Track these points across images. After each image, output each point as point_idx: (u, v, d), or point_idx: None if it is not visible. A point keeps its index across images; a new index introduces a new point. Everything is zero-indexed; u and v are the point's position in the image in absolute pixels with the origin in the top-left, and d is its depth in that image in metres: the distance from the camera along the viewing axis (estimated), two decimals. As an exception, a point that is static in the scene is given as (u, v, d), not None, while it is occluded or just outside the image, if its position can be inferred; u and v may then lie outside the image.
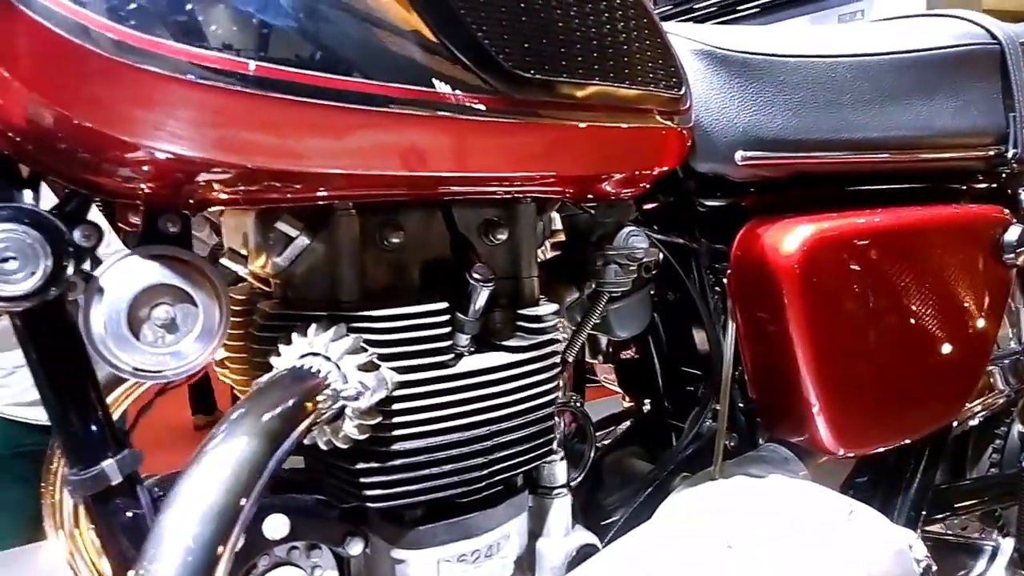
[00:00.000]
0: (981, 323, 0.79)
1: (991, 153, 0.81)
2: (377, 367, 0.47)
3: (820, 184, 0.75)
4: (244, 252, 0.54)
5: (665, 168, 0.59)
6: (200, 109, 0.38)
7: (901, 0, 1.81)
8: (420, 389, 0.49)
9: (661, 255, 0.73)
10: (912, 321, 0.74)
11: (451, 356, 0.51)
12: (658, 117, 0.56)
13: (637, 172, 0.58)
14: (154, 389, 0.60)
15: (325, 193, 0.46)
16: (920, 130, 0.75)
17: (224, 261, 0.55)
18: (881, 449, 0.80)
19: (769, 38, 0.71)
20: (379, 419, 0.48)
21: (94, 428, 0.43)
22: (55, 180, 0.43)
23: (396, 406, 0.48)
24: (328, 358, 0.46)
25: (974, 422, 0.99)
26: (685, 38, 0.66)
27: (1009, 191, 0.87)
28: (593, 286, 0.67)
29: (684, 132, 0.59)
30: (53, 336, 0.42)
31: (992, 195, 0.86)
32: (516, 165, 0.50)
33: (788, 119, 0.68)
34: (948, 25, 0.82)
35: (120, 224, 0.47)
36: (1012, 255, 0.79)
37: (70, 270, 0.39)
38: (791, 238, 0.67)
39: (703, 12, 2.04)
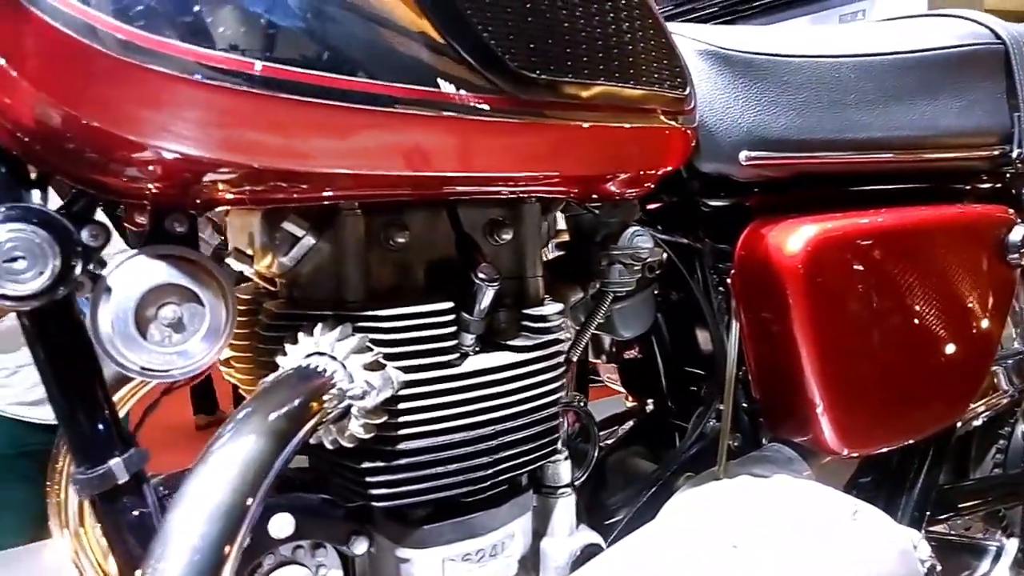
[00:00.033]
0: (985, 323, 0.78)
1: (995, 153, 0.80)
2: (383, 366, 0.47)
3: (824, 184, 0.75)
4: (250, 252, 0.54)
5: (669, 168, 0.59)
6: (207, 109, 0.38)
7: (903, 0, 1.80)
8: (425, 388, 0.49)
9: (665, 255, 0.73)
10: (916, 321, 0.74)
11: (456, 356, 0.51)
12: (662, 117, 0.56)
13: (642, 172, 0.58)
14: (159, 388, 0.60)
15: (331, 193, 0.47)
16: (924, 130, 0.75)
17: (230, 261, 0.55)
18: (885, 449, 0.80)
19: (773, 38, 0.71)
20: (385, 418, 0.48)
21: (101, 427, 0.44)
22: (63, 180, 0.43)
23: (401, 405, 0.48)
24: (334, 357, 0.46)
25: (978, 422, 0.99)
26: (689, 38, 0.66)
27: (1013, 191, 0.87)
28: (597, 286, 0.67)
29: (688, 132, 0.59)
30: (61, 335, 0.42)
31: (996, 195, 0.86)
32: (521, 165, 0.50)
33: (792, 119, 0.68)
34: (952, 25, 0.82)
35: (126, 224, 0.47)
36: (1016, 255, 0.79)
37: (78, 270, 0.40)
38: (795, 238, 0.67)
39: (704, 12, 2.04)
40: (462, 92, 0.44)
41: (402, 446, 0.49)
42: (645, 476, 0.77)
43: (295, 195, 0.46)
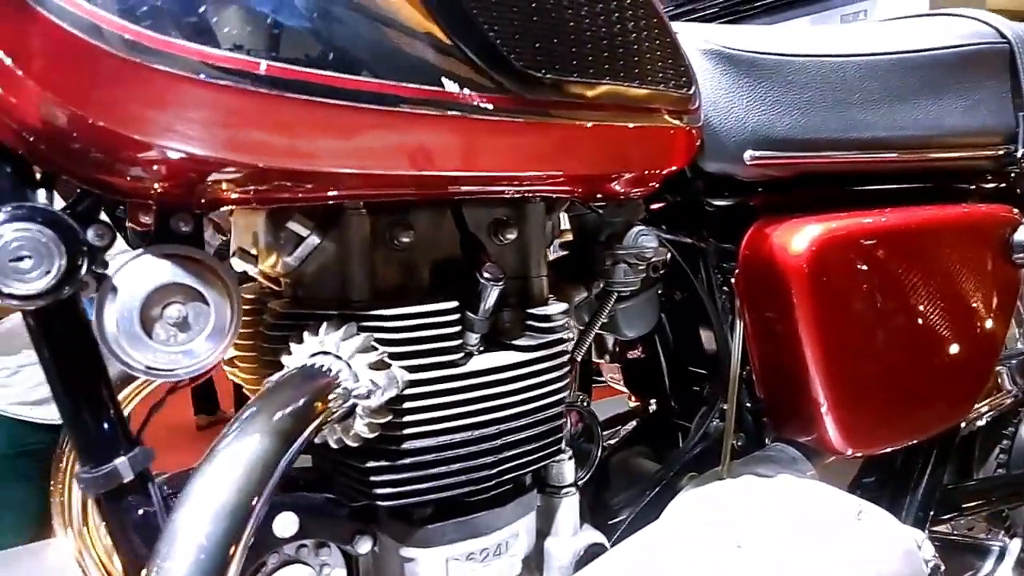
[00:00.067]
0: (990, 323, 0.78)
1: (1000, 152, 0.80)
2: (388, 366, 0.47)
3: (828, 184, 0.75)
4: (254, 251, 0.54)
5: (674, 168, 0.59)
6: (212, 109, 0.38)
7: (904, 0, 1.80)
8: (430, 388, 0.49)
9: (669, 255, 0.73)
10: (920, 321, 0.73)
11: (461, 355, 0.51)
12: (667, 117, 0.56)
13: (646, 171, 0.58)
14: (162, 388, 0.60)
15: (336, 192, 0.47)
16: (929, 129, 0.75)
17: (234, 260, 0.55)
18: (889, 449, 0.80)
19: (778, 38, 0.71)
20: (389, 417, 0.48)
21: (106, 426, 0.44)
22: (68, 180, 0.43)
23: (406, 405, 0.48)
24: (339, 357, 0.46)
25: (981, 422, 0.99)
26: (694, 38, 0.66)
27: (1018, 191, 0.87)
28: (602, 285, 0.67)
29: (693, 131, 0.59)
30: (66, 335, 0.42)
31: (1001, 195, 0.86)
32: (526, 165, 0.50)
33: (797, 119, 0.68)
34: (957, 24, 0.82)
35: (130, 224, 0.47)
36: (1021, 255, 0.79)
37: (83, 269, 0.40)
38: (799, 238, 0.67)
39: (705, 13, 2.04)
40: (467, 92, 0.44)
41: (406, 445, 0.49)
42: (648, 476, 0.77)
43: (300, 195, 0.46)
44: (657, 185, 0.61)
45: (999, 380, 0.98)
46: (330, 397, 0.44)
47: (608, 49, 0.49)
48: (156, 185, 0.42)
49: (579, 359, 0.68)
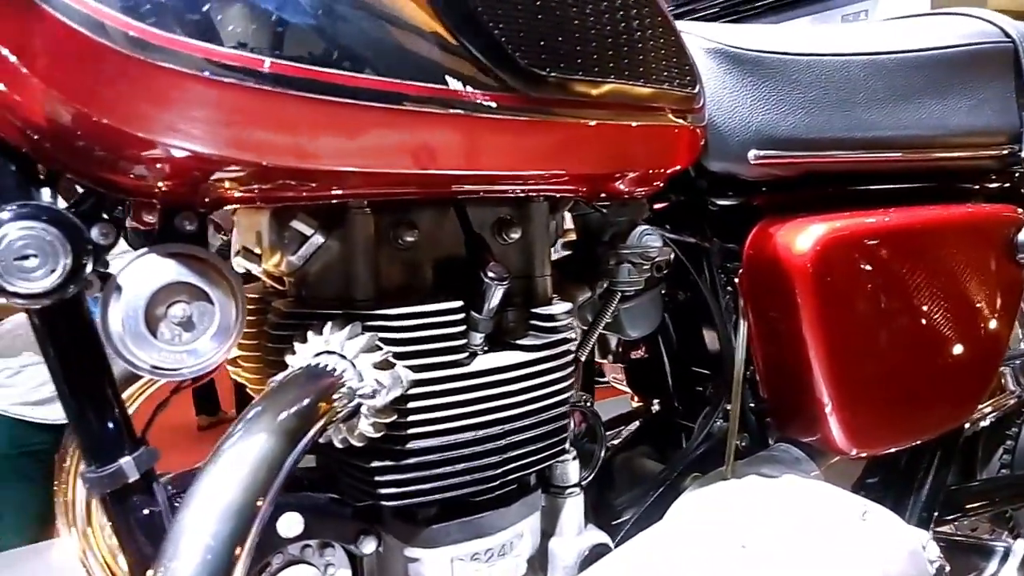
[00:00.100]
0: (994, 323, 0.78)
1: (1004, 152, 0.80)
2: (392, 365, 0.47)
3: (833, 183, 0.75)
4: (258, 251, 0.54)
5: (678, 167, 0.59)
6: (216, 106, 0.38)
7: (905, 0, 1.80)
8: (435, 387, 0.49)
9: (672, 254, 0.73)
10: (924, 321, 0.73)
11: (465, 355, 0.51)
12: (671, 116, 0.56)
13: (651, 171, 0.58)
14: (165, 388, 0.60)
15: (340, 191, 0.46)
16: (933, 129, 0.75)
17: (238, 260, 0.55)
18: (893, 449, 0.79)
19: (782, 37, 0.71)
20: (394, 417, 0.48)
21: (111, 426, 0.43)
22: (72, 178, 0.43)
23: (411, 404, 0.48)
24: (344, 356, 0.46)
25: (985, 423, 0.99)
26: (698, 36, 0.66)
27: (1022, 190, 0.86)
28: (606, 285, 0.67)
29: (698, 131, 0.59)
30: (70, 334, 0.42)
31: (1005, 194, 0.86)
32: (531, 163, 0.50)
33: (801, 118, 0.68)
34: (961, 23, 0.81)
35: (134, 223, 0.47)
36: (1026, 255, 0.79)
37: (88, 268, 0.39)
38: (803, 237, 0.67)
39: (706, 12, 2.04)
40: (472, 90, 0.44)
41: (411, 445, 0.49)
42: (652, 476, 0.77)
43: (304, 193, 0.46)
44: (661, 184, 0.60)
45: (1003, 381, 0.98)
46: (335, 397, 0.44)
47: (613, 48, 0.49)
48: (160, 183, 0.42)
49: (583, 359, 0.68)
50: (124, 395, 0.59)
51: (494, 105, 0.45)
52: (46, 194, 0.41)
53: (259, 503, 0.37)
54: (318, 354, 0.47)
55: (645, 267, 0.66)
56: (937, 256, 0.74)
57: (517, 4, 0.44)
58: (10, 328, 1.80)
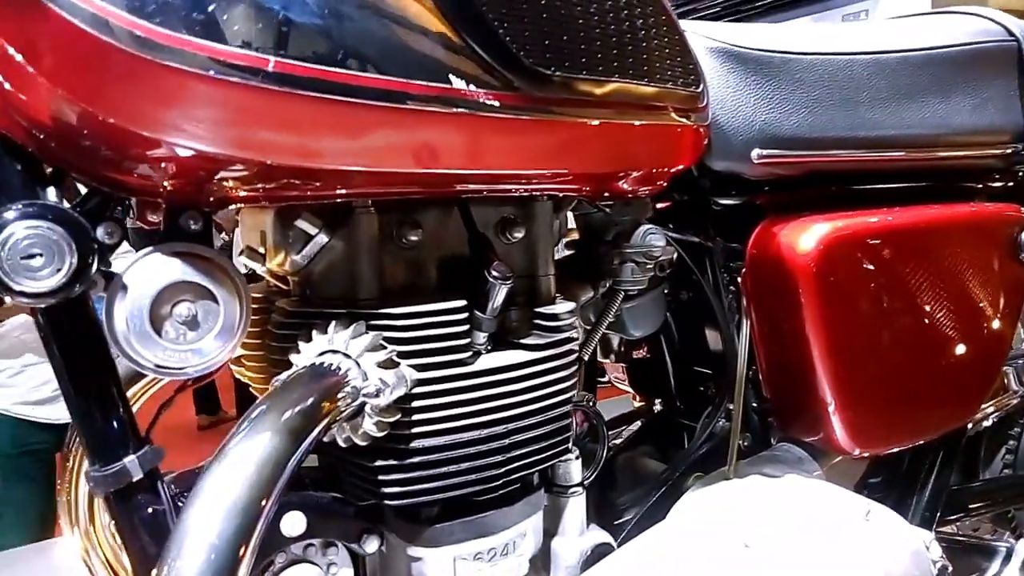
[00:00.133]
0: (997, 323, 0.78)
1: (1008, 151, 0.80)
2: (396, 364, 0.47)
3: (836, 182, 0.75)
4: (262, 250, 0.54)
5: (682, 166, 0.59)
6: (221, 105, 0.38)
7: (906, 0, 1.80)
8: (438, 387, 0.49)
9: (675, 254, 0.73)
10: (928, 321, 0.73)
11: (469, 354, 0.51)
12: (675, 115, 0.56)
13: (654, 170, 0.58)
14: (169, 387, 0.60)
15: (344, 190, 0.46)
16: (936, 128, 0.75)
17: (242, 259, 0.55)
18: (896, 449, 0.79)
19: (785, 36, 0.70)
20: (398, 416, 0.48)
21: (115, 424, 0.43)
22: (77, 177, 0.43)
23: (415, 403, 0.48)
24: (348, 355, 0.46)
25: (987, 423, 0.99)
26: (702, 36, 0.66)
27: (1026, 189, 0.86)
28: (609, 285, 0.67)
29: (701, 130, 0.59)
30: (76, 333, 0.42)
31: (1009, 193, 0.86)
32: (535, 163, 0.50)
33: (804, 117, 0.68)
34: (965, 22, 0.81)
35: (139, 222, 0.47)
36: (1029, 254, 0.78)
37: (94, 267, 0.39)
38: (807, 237, 0.67)
39: (707, 12, 2.03)
40: (476, 89, 0.43)
41: (415, 444, 0.49)
42: (654, 476, 0.77)
43: (308, 192, 0.46)
44: (665, 184, 0.60)
45: (1005, 380, 0.98)
46: (339, 396, 0.44)
47: (617, 47, 0.49)
48: (165, 182, 0.42)
49: (586, 359, 0.68)
50: (127, 394, 0.59)
51: (498, 104, 0.45)
52: (52, 193, 0.41)
53: (264, 502, 0.37)
54: (322, 353, 0.47)
55: (649, 266, 0.66)
56: (941, 255, 0.74)
57: (522, 3, 0.44)
58: (11, 329, 1.80)
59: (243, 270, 0.55)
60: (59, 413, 1.81)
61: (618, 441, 0.87)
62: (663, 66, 0.53)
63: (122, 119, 0.37)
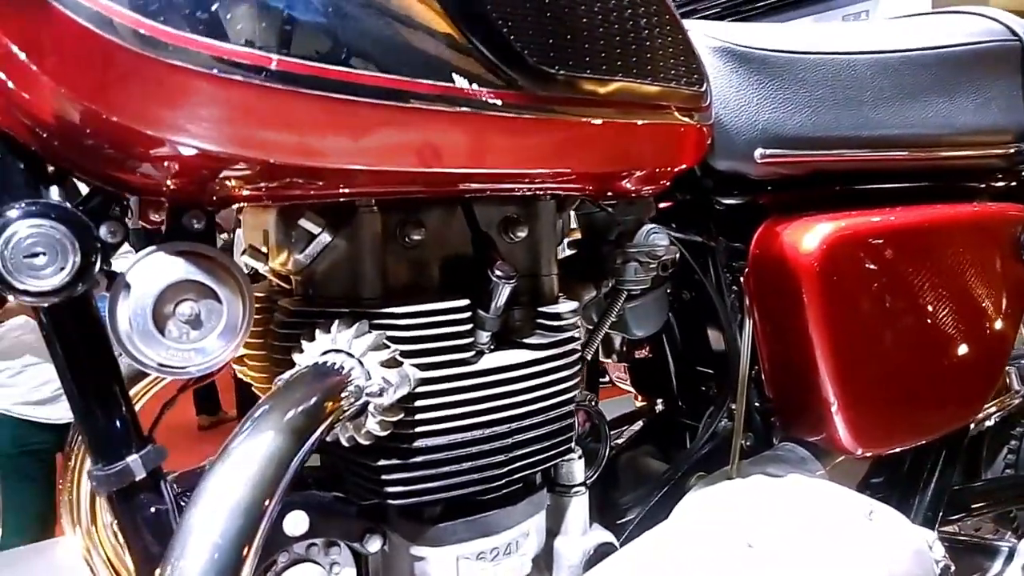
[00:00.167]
0: (1000, 323, 0.78)
1: (1011, 151, 0.80)
2: (400, 363, 0.47)
3: (839, 182, 0.75)
4: (264, 249, 0.54)
5: (685, 165, 0.59)
6: (224, 104, 0.38)
7: (907, 0, 1.80)
8: (442, 386, 0.49)
9: (678, 253, 0.72)
10: (930, 320, 0.73)
11: (472, 353, 0.51)
12: (678, 114, 0.56)
13: (657, 169, 0.58)
14: (172, 386, 0.60)
15: (347, 189, 0.46)
16: (940, 127, 0.75)
17: (244, 258, 0.55)
18: (898, 449, 0.79)
19: (788, 35, 0.70)
20: (401, 415, 0.48)
21: (118, 424, 0.43)
22: (80, 176, 0.43)
23: (418, 403, 0.48)
24: (351, 355, 0.46)
25: (990, 423, 0.99)
26: (705, 35, 0.66)
27: (1029, 189, 0.86)
28: (611, 284, 0.67)
29: (704, 129, 0.59)
30: (79, 332, 0.42)
31: (1012, 193, 0.86)
32: (539, 162, 0.50)
33: (807, 117, 0.68)
34: (968, 22, 0.81)
35: (141, 221, 0.47)
36: (1032, 254, 0.78)
37: (97, 266, 0.39)
38: (810, 236, 0.67)
39: (707, 12, 2.03)
40: (480, 88, 0.43)
41: (418, 444, 0.49)
42: (656, 476, 0.77)
43: (312, 191, 0.46)
44: (668, 183, 0.60)
45: (1007, 380, 0.98)
46: (342, 395, 0.44)
47: (621, 46, 0.49)
48: (168, 181, 0.42)
49: (588, 358, 0.68)
50: (130, 393, 0.59)
51: (501, 103, 0.44)
52: (55, 192, 0.41)
53: (267, 502, 0.37)
54: (325, 352, 0.47)
55: (651, 266, 0.66)
56: (943, 255, 0.74)
57: (526, 2, 0.44)
58: (11, 329, 1.80)
59: (245, 269, 0.55)
60: (59, 413, 1.82)
61: (620, 441, 0.87)
62: (667, 65, 0.53)
63: (125, 118, 0.37)
